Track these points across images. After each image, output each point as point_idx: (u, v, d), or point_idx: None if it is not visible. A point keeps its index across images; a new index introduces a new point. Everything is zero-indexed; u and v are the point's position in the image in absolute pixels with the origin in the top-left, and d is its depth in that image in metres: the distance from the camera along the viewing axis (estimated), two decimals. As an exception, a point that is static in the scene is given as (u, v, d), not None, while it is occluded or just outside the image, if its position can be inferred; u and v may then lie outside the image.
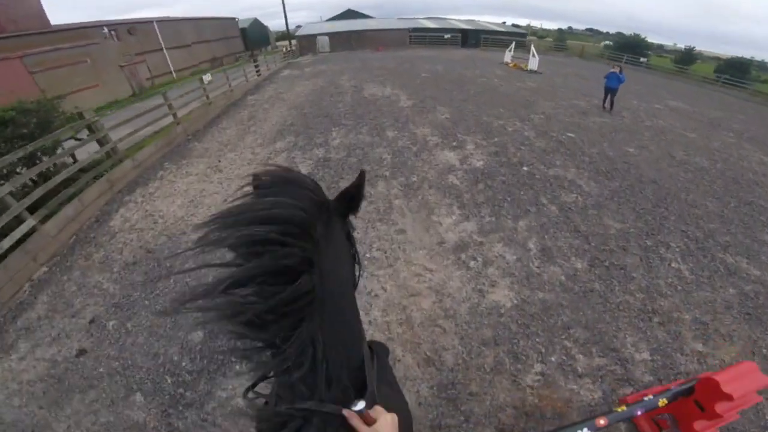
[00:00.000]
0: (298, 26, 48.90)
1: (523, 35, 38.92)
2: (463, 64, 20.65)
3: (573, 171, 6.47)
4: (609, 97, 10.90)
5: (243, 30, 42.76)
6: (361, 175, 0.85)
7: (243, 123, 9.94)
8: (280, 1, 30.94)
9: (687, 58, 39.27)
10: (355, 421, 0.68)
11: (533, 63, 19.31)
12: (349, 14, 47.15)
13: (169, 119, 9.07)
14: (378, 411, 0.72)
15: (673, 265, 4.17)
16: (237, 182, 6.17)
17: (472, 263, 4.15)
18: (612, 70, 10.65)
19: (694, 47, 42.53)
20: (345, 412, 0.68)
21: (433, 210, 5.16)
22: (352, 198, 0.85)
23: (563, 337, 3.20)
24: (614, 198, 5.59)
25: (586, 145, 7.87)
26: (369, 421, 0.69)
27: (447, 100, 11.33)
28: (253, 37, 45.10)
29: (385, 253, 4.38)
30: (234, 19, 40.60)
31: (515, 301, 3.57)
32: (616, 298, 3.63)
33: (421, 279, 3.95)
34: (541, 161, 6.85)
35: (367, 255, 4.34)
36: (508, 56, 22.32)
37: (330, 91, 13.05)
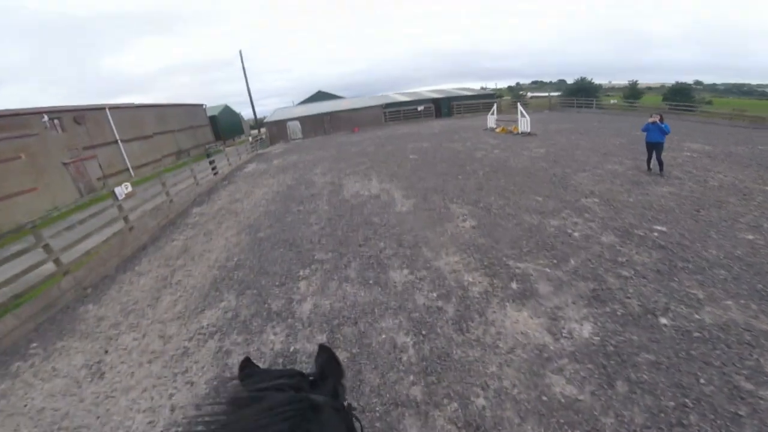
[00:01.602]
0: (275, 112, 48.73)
1: (492, 96, 39.42)
2: (448, 137, 18.79)
3: (732, 305, 3.75)
4: (654, 154, 8.51)
5: (213, 118, 41.27)
6: (323, 350, 0.89)
7: (170, 263, 6.58)
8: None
9: (634, 93, 40.93)
10: None
11: (524, 124, 17.62)
12: (320, 96, 47.36)
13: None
14: None
15: None
16: (121, 410, 3.34)
17: None
18: (650, 120, 8.30)
19: (637, 81, 44.98)
20: None
21: None
22: (333, 373, 0.85)
23: None
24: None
25: (696, 243, 5.13)
26: None
27: (457, 191, 8.47)
28: (225, 126, 43.80)
29: None
30: (201, 105, 38.52)
31: None
32: None
33: None
34: (672, 296, 4.02)
35: None
36: (491, 121, 20.83)
37: (299, 195, 10.04)
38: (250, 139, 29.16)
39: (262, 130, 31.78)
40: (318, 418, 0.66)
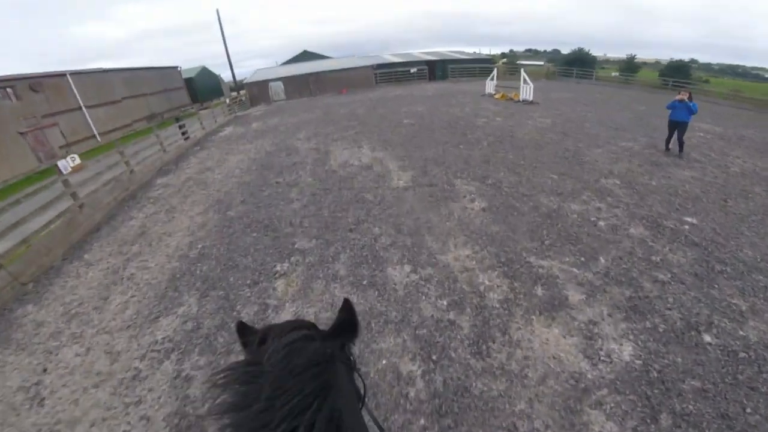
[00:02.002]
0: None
1: (489, 61, 37.44)
2: (445, 101, 17.42)
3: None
4: (677, 134, 7.82)
5: (189, 80, 38.47)
6: (347, 305, 0.86)
7: (124, 250, 5.54)
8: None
9: (631, 66, 39.89)
10: None
11: (527, 91, 16.37)
12: (306, 56, 43.74)
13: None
14: None
15: None
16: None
17: None
18: (677, 97, 7.66)
19: (635, 56, 43.72)
20: None
21: None
22: (347, 331, 0.83)
23: None
24: None
25: (730, 241, 4.54)
26: None
27: (461, 164, 7.48)
28: (202, 88, 40.85)
29: None
30: (176, 68, 35.91)
31: None
32: None
33: None
34: (714, 307, 3.50)
35: None
36: (490, 86, 19.47)
37: (279, 164, 8.84)
38: (227, 101, 26.83)
39: (242, 91, 29.30)
40: (333, 368, 0.66)
